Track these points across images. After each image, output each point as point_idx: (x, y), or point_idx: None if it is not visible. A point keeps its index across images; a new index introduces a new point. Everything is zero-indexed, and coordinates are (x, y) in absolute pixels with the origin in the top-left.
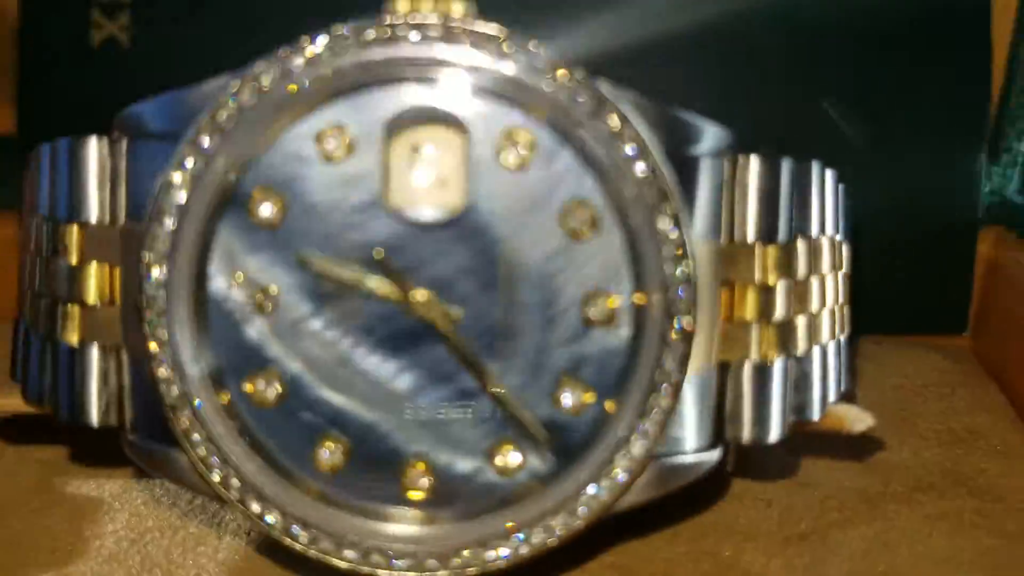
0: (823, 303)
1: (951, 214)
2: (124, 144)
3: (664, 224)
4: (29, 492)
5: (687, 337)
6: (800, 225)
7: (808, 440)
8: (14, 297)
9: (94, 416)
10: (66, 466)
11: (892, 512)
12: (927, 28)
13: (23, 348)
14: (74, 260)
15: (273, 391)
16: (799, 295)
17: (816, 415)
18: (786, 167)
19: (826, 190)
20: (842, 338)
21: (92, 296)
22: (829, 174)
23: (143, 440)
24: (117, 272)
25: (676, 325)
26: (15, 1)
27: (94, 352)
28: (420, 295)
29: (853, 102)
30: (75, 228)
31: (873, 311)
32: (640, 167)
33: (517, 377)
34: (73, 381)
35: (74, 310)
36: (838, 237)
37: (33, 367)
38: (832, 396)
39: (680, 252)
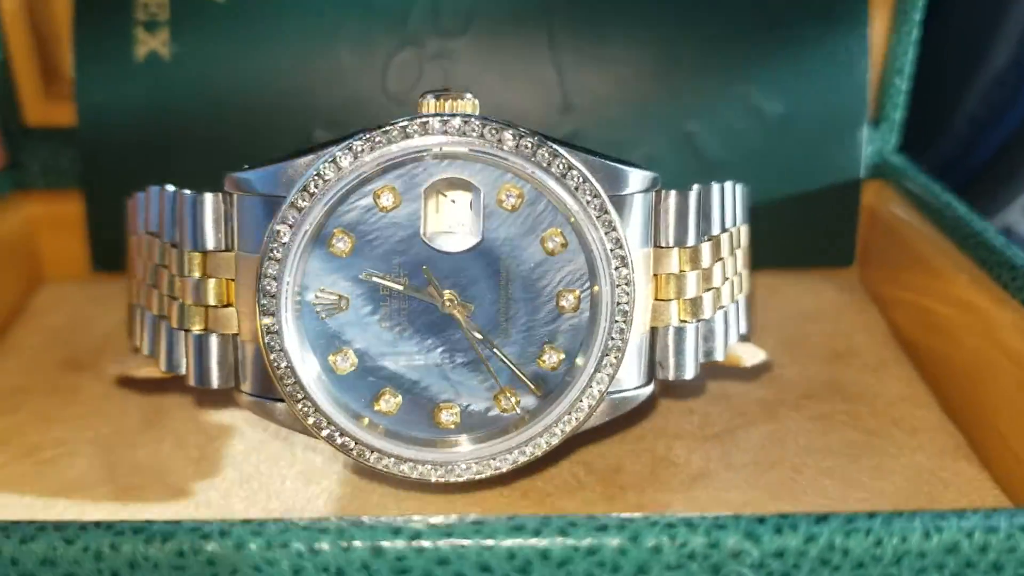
0: (724, 279)
1: (841, 171)
2: (235, 198)
3: (611, 244)
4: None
5: (626, 315)
6: (705, 229)
7: (723, 369)
8: (80, 265)
9: (215, 382)
10: (195, 409)
11: (783, 415)
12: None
13: (154, 332)
14: (198, 275)
15: (348, 363)
16: (705, 277)
17: (720, 356)
18: (693, 195)
19: (725, 198)
20: (740, 297)
21: (212, 300)
22: (729, 186)
23: (253, 396)
24: (231, 284)
25: (619, 308)
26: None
27: (214, 339)
28: (447, 295)
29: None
30: (199, 254)
31: (781, 248)
32: (595, 206)
33: (513, 347)
34: (200, 359)
35: (200, 310)
36: (736, 226)
37: (166, 347)
38: (732, 340)
39: (622, 263)
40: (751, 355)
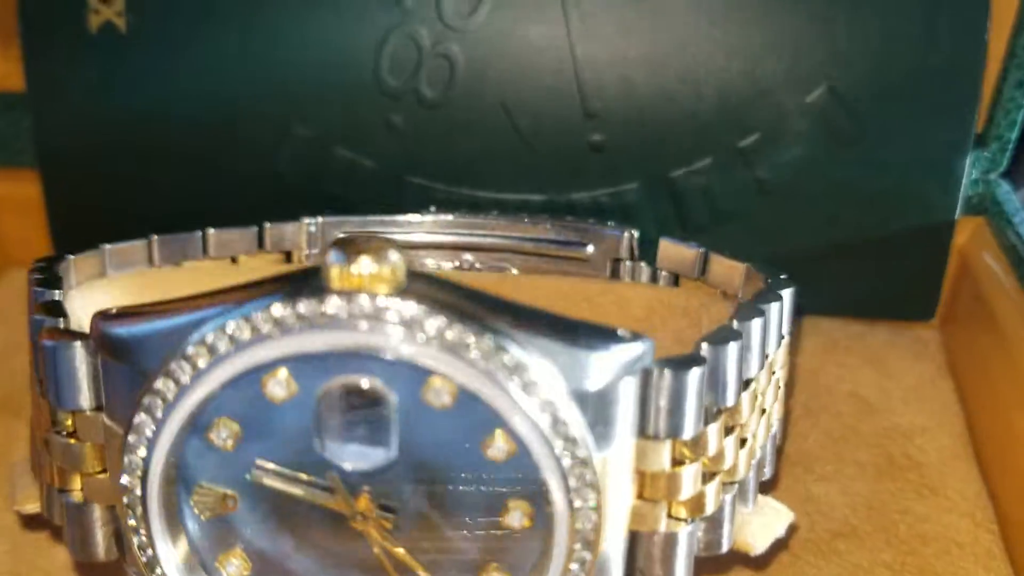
0: (738, 450)
1: (932, 209)
2: (100, 360)
3: (568, 455)
4: None
5: (588, 543)
6: (713, 401)
7: None
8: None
9: (100, 554)
10: None
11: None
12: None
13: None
14: (72, 440)
15: (238, 569)
16: (713, 460)
17: (724, 548)
18: (694, 375)
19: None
20: (768, 445)
21: (89, 467)
22: (775, 309)
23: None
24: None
25: (578, 534)
26: None
27: (95, 509)
28: (362, 506)
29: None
30: (71, 414)
31: (846, 293)
32: (549, 411)
33: (447, 572)
34: (82, 529)
35: (76, 476)
36: (777, 348)
37: (46, 503)
38: (747, 509)
39: (583, 467)
40: (767, 533)
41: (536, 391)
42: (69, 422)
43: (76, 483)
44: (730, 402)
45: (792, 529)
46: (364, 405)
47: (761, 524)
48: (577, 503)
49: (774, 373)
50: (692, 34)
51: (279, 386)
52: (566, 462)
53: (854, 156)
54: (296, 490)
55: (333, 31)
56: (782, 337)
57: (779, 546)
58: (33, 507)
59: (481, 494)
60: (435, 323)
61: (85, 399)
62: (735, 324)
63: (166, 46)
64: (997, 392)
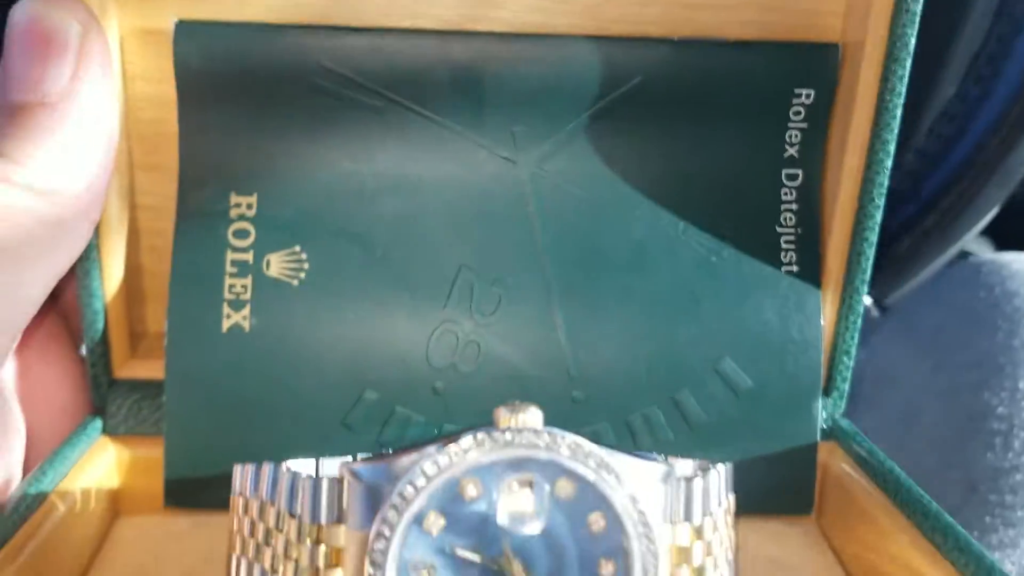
0: (722, 543)
1: (800, 434)
2: (345, 483)
3: (641, 526)
4: None
5: None
6: (706, 507)
7: None
8: (152, 502)
9: None
10: None
11: None
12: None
13: None
14: (311, 543)
15: None
16: (707, 545)
17: None
18: (698, 482)
19: (713, 485)
20: (731, 557)
21: (322, 563)
22: (723, 469)
23: None
24: (339, 552)
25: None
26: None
27: None
28: (517, 567)
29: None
30: (315, 527)
31: (752, 498)
32: (629, 498)
33: None
34: None
35: (312, 570)
36: (730, 500)
37: None
38: None
39: (648, 537)
40: None
41: (621, 485)
42: (314, 533)
43: None
44: (713, 507)
45: None
46: (527, 493)
47: None
48: (646, 553)
49: (726, 524)
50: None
51: (471, 489)
52: (640, 528)
53: (748, 405)
54: (475, 557)
55: (400, 326)
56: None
57: None
58: None
59: (585, 556)
60: (567, 443)
61: (326, 516)
62: (711, 469)
63: (283, 345)
64: (876, 566)
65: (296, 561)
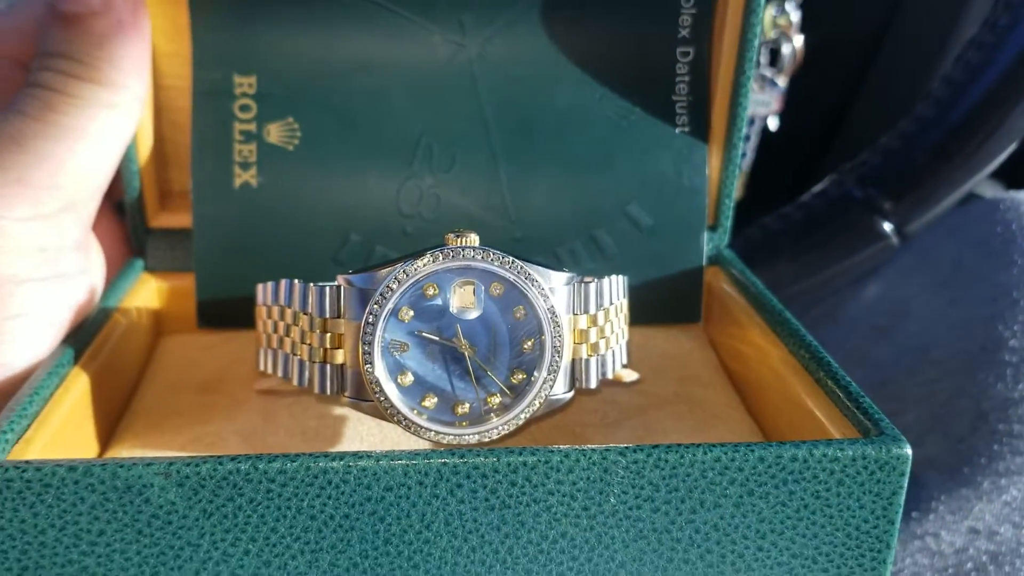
0: (612, 331)
1: (691, 260)
2: (341, 290)
3: (550, 314)
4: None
5: (558, 352)
6: (599, 303)
7: (611, 383)
8: (189, 323)
9: (329, 391)
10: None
11: (652, 414)
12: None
13: (287, 364)
14: (319, 331)
15: (407, 380)
16: (600, 331)
17: (610, 375)
18: (593, 285)
19: (614, 285)
20: (623, 341)
21: (329, 344)
22: (617, 279)
23: (351, 399)
24: (341, 337)
25: (555, 349)
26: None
27: (329, 367)
28: (463, 343)
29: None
30: (322, 320)
31: (652, 310)
32: (542, 294)
33: (497, 370)
34: (321, 377)
35: (320, 351)
36: (620, 300)
37: (297, 371)
38: (618, 367)
39: (556, 323)
40: (629, 375)
41: (537, 285)
42: (320, 325)
43: (319, 356)
44: (607, 304)
45: (638, 382)
46: (467, 290)
47: (626, 372)
48: (555, 333)
49: (621, 311)
50: (563, 187)
51: (431, 290)
52: (549, 316)
53: (649, 239)
54: (434, 337)
55: (375, 182)
56: (613, 303)
57: (634, 406)
58: (285, 386)
59: (512, 336)
60: (495, 255)
61: (330, 312)
62: (607, 277)
63: (284, 198)
64: (741, 351)
65: (309, 345)
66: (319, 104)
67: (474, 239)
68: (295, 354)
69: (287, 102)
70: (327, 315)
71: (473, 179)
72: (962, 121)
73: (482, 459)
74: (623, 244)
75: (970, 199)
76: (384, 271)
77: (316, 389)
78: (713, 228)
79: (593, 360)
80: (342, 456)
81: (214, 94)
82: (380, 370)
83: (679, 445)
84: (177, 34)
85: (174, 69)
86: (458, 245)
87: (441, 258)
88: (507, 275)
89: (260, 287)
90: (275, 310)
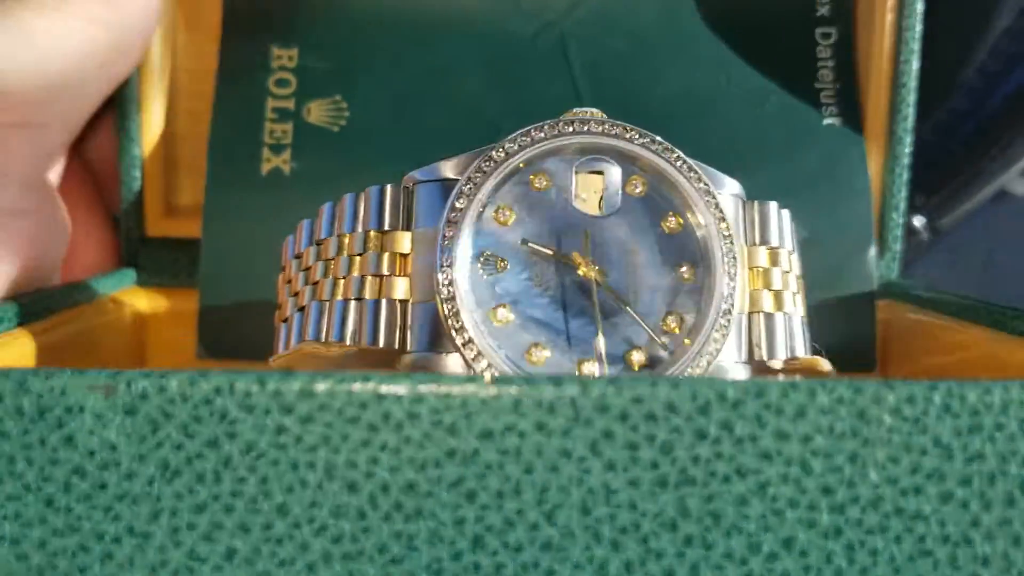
0: (797, 290)
1: (853, 284)
2: (414, 188)
3: (724, 228)
4: None
5: (733, 282)
6: (781, 239)
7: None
8: (183, 354)
9: (382, 340)
10: None
11: None
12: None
13: (319, 315)
14: (374, 249)
15: (505, 317)
16: (783, 277)
17: (801, 354)
18: (773, 205)
19: (784, 223)
20: (803, 314)
21: (386, 269)
22: (787, 214)
23: (419, 352)
24: (403, 259)
25: (729, 276)
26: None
27: (384, 304)
28: (587, 260)
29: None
30: (377, 234)
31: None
32: (707, 194)
33: (642, 309)
34: (373, 320)
35: (374, 280)
36: (794, 252)
37: (337, 320)
38: (808, 350)
39: (731, 244)
40: (826, 364)
41: (699, 182)
42: (376, 240)
43: (370, 289)
44: (787, 244)
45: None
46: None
47: (819, 359)
48: (726, 256)
49: (794, 268)
50: None
51: (541, 180)
52: (719, 229)
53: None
54: (547, 250)
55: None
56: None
57: None
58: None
59: (660, 257)
60: (638, 132)
61: (389, 221)
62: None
63: (323, 188)
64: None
65: (357, 277)
66: (372, 81)
67: (599, 113)
68: (333, 297)
69: (334, 78)
70: (385, 225)
71: None
72: (997, 112)
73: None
74: None
75: (1002, 196)
76: (473, 153)
77: (365, 340)
78: (880, 254)
79: (779, 319)
80: (409, 379)
81: (246, 68)
82: (466, 299)
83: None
84: (204, 3)
85: (199, 46)
86: (583, 116)
87: (559, 129)
88: (658, 162)
89: (288, 240)
90: (308, 253)
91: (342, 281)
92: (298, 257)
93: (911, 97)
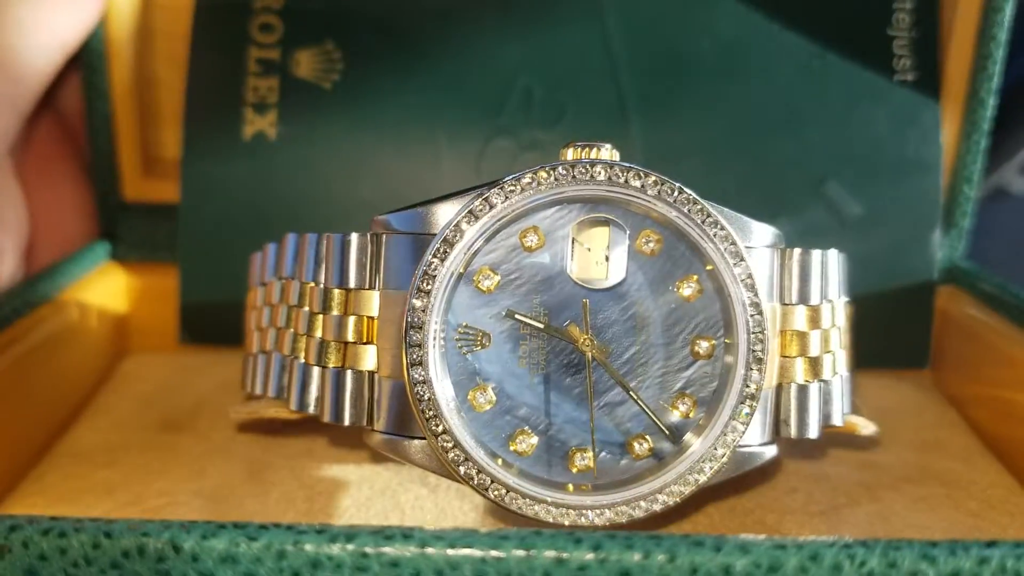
0: (840, 345)
1: (912, 272)
2: (383, 238)
3: (749, 294)
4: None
5: (760, 363)
6: (824, 291)
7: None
8: (167, 337)
9: (347, 418)
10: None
11: (884, 496)
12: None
13: (282, 372)
14: (338, 312)
15: (486, 400)
16: (824, 339)
17: (838, 421)
18: (816, 255)
19: (831, 269)
20: (846, 373)
21: (352, 336)
22: (835, 256)
23: (386, 434)
24: (371, 322)
25: (754, 355)
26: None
27: (349, 375)
28: (587, 336)
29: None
30: (341, 292)
31: (858, 351)
32: (731, 254)
33: (648, 392)
34: (336, 394)
35: (338, 346)
36: (842, 299)
37: (298, 385)
38: (847, 410)
39: (757, 312)
40: (866, 426)
41: (722, 238)
42: (339, 300)
43: (334, 356)
44: (832, 295)
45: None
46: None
47: (859, 420)
48: (753, 328)
49: (838, 320)
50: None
51: (532, 237)
52: (745, 295)
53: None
54: (538, 324)
55: (447, 135)
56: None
57: (859, 483)
58: (275, 410)
59: (674, 330)
60: (653, 179)
61: (355, 279)
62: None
63: (313, 156)
64: (996, 394)
65: (318, 338)
66: (371, 27)
67: (608, 152)
68: (295, 355)
69: (325, 21)
70: (350, 283)
71: (591, 138)
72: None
73: (625, 554)
74: (815, 240)
75: (1002, 196)
76: (451, 203)
77: (327, 416)
78: (944, 229)
79: (814, 390)
80: (374, 534)
81: (223, 7)
82: (439, 380)
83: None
84: None
85: None
86: (586, 158)
87: (555, 178)
88: (675, 217)
89: (255, 256)
90: (273, 288)
91: (304, 339)
92: (264, 285)
93: (1000, 52)
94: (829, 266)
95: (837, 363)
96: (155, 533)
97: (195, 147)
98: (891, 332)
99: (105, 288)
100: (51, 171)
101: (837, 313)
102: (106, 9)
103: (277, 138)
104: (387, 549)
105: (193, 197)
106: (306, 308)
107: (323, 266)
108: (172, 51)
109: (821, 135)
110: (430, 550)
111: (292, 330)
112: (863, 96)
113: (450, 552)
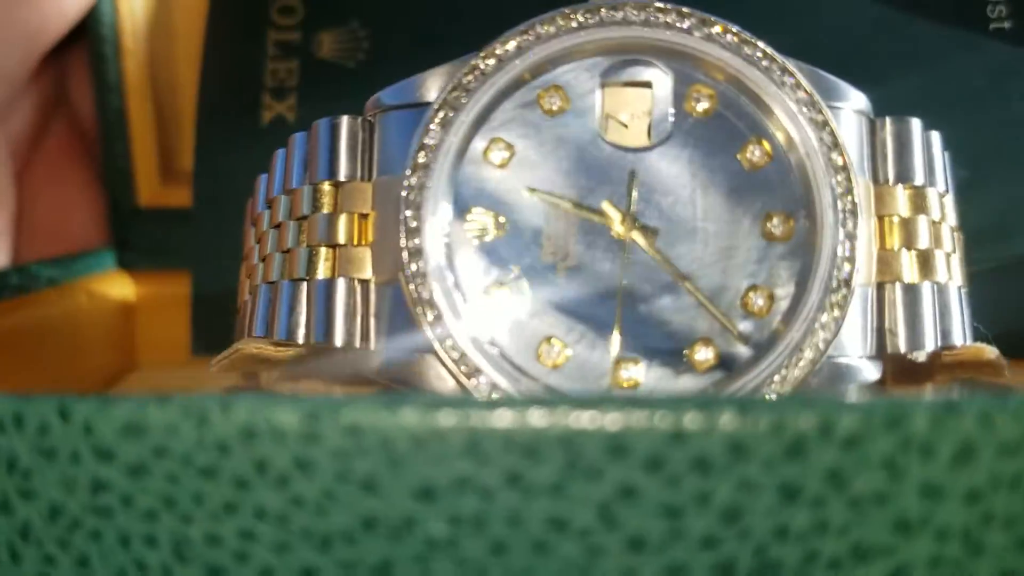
0: (953, 248)
1: None
2: (377, 119)
3: (838, 158)
4: None
5: (853, 243)
6: (930, 172)
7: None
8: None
9: (339, 338)
10: None
11: None
12: None
13: (268, 302)
14: (327, 210)
15: (504, 302)
16: (935, 230)
17: (959, 340)
18: (916, 124)
19: (935, 150)
20: (965, 287)
21: (343, 238)
22: (939, 138)
23: (389, 352)
24: (365, 221)
25: (846, 233)
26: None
27: (341, 284)
28: (628, 218)
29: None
30: (331, 186)
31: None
32: (811, 109)
33: (710, 285)
34: (325, 308)
35: (328, 252)
36: (950, 196)
37: (284, 310)
38: (968, 332)
39: (848, 182)
40: (992, 351)
41: (799, 91)
42: (329, 196)
43: (323, 265)
44: (939, 182)
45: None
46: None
47: (983, 346)
48: (841, 201)
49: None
50: None
51: (553, 99)
52: (841, 181)
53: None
54: (565, 203)
55: None
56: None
57: None
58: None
59: (740, 207)
60: (700, 19)
61: (346, 169)
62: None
63: None
64: None
65: (304, 247)
66: (398, 5)
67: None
68: (281, 278)
69: (351, 1)
70: (340, 174)
71: None
72: None
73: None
74: None
75: None
76: (453, 64)
77: (315, 335)
78: None
79: (926, 291)
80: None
81: None
82: (443, 273)
83: None
84: None
85: None
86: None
87: (578, 20)
88: (733, 61)
89: (251, 198)
90: (262, 217)
91: (290, 254)
92: (255, 224)
93: None
94: (933, 146)
95: (952, 268)
96: (38, 402)
97: (210, 134)
98: (1001, 315)
99: (110, 297)
100: (60, 171)
101: (947, 208)
102: None
103: (296, 122)
104: (350, 412)
105: (208, 189)
106: (292, 222)
107: (310, 161)
108: (192, 48)
109: (906, 88)
110: (410, 416)
111: (278, 253)
112: (955, 46)
113: (431, 416)
